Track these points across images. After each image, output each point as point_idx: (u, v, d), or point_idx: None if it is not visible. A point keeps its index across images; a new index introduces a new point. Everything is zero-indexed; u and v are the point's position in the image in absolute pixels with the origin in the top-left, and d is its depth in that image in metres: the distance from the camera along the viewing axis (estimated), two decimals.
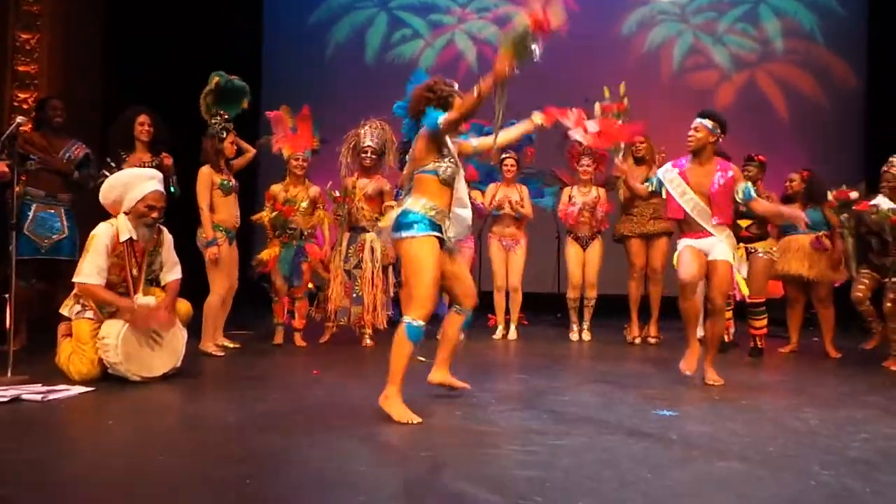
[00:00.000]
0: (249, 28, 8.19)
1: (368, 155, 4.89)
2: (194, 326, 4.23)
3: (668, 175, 3.83)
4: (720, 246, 3.71)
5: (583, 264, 5.45)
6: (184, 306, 3.73)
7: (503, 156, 5.34)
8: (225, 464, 2.28)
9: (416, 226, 2.91)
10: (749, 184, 3.80)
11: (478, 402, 3.22)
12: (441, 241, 2.99)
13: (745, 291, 3.76)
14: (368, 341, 4.92)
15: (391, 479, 2.14)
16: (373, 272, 4.85)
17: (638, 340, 5.37)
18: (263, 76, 8.09)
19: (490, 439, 2.62)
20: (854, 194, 4.70)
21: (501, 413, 3.06)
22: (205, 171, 4.44)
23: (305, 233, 4.84)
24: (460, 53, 8.28)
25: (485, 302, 5.28)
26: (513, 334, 5.50)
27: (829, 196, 4.87)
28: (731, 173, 3.77)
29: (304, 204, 4.80)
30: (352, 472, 2.19)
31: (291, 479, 2.15)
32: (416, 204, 2.96)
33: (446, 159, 3.01)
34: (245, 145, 4.83)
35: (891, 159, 4.67)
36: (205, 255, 4.40)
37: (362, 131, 4.96)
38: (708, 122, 3.73)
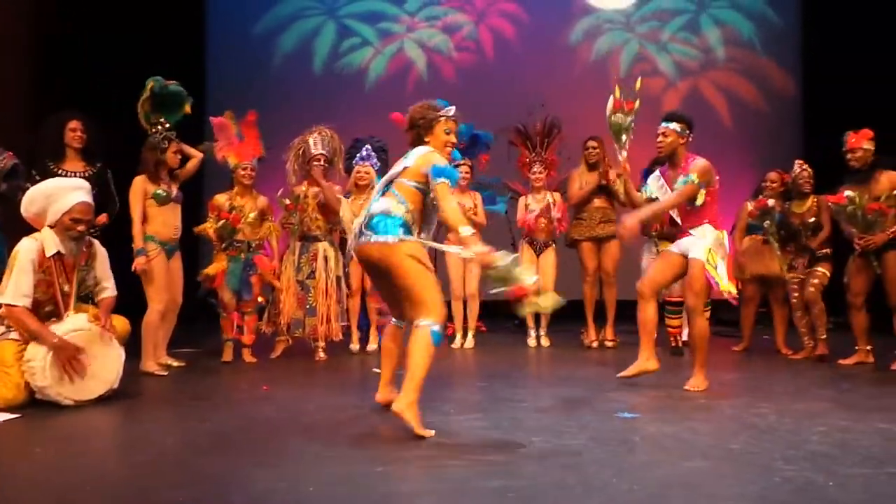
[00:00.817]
0: (191, 35, 7.92)
1: (320, 163, 4.75)
2: (135, 346, 4.00)
3: (657, 183, 3.82)
4: (696, 245, 3.64)
5: (536, 269, 5.43)
6: (120, 323, 3.49)
7: (457, 163, 5.28)
8: (160, 489, 2.10)
9: (402, 229, 2.84)
10: (687, 177, 3.62)
11: (436, 412, 3.10)
12: None
13: (724, 288, 3.59)
14: (322, 354, 4.75)
15: (345, 499, 2.00)
16: (327, 282, 4.69)
17: (595, 344, 5.36)
18: (208, 84, 7.85)
19: (450, 450, 2.51)
20: (771, 202, 4.83)
21: (461, 422, 2.96)
22: (138, 181, 4.23)
23: (253, 245, 4.65)
24: (410, 62, 8.22)
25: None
26: (470, 342, 5.41)
27: (749, 206, 5.00)
28: (692, 166, 3.66)
29: (252, 215, 4.61)
30: (301, 494, 2.04)
31: (233, 502, 1.99)
32: (399, 209, 2.88)
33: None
34: (191, 150, 4.58)
35: (797, 163, 4.89)
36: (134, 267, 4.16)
37: (311, 139, 4.82)
38: (675, 126, 3.67)
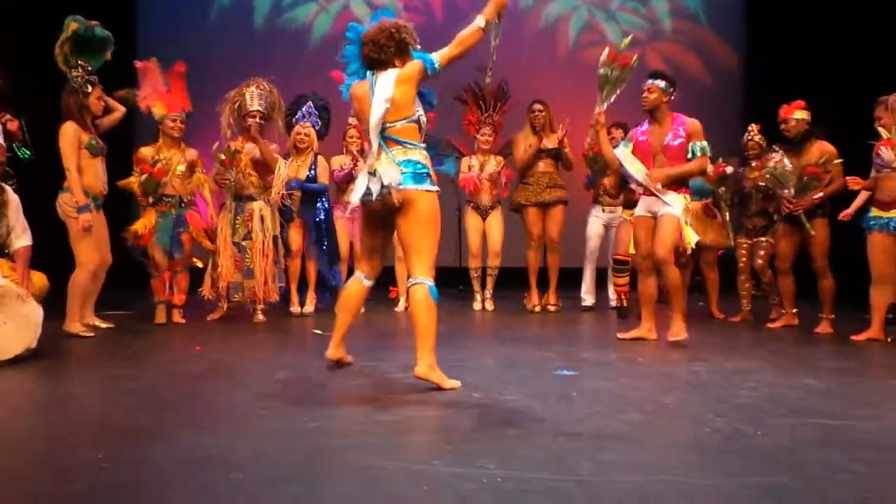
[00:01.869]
0: None
1: (256, 120, 4.55)
2: (57, 304, 3.78)
3: (623, 151, 3.87)
4: (669, 206, 3.72)
5: (482, 234, 5.42)
6: (38, 279, 3.29)
7: None
8: (77, 448, 1.98)
9: (429, 179, 2.73)
10: (700, 143, 3.78)
11: (375, 372, 3.05)
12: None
13: (690, 243, 3.75)
14: (260, 316, 4.61)
15: (277, 455, 1.93)
16: (264, 243, 4.52)
17: (538, 308, 5.40)
18: (139, 34, 7.40)
19: (387, 406, 2.46)
20: (729, 169, 4.92)
21: (401, 380, 2.91)
22: (70, 129, 3.90)
23: (185, 200, 4.43)
24: (358, 21, 7.93)
25: (387, 274, 5.12)
26: (401, 306, 5.36)
27: (709, 170, 5.07)
28: (684, 130, 3.78)
29: (181, 168, 4.37)
30: (229, 450, 1.96)
31: (156, 460, 1.89)
32: (421, 155, 2.76)
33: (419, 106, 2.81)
34: (113, 103, 4.31)
35: (749, 127, 4.97)
36: (69, 225, 3.90)
37: (248, 93, 4.58)
38: (660, 82, 3.74)
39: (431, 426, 2.21)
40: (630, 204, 5.14)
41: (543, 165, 5.35)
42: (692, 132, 3.78)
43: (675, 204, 3.74)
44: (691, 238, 3.78)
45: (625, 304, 5.14)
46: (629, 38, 3.92)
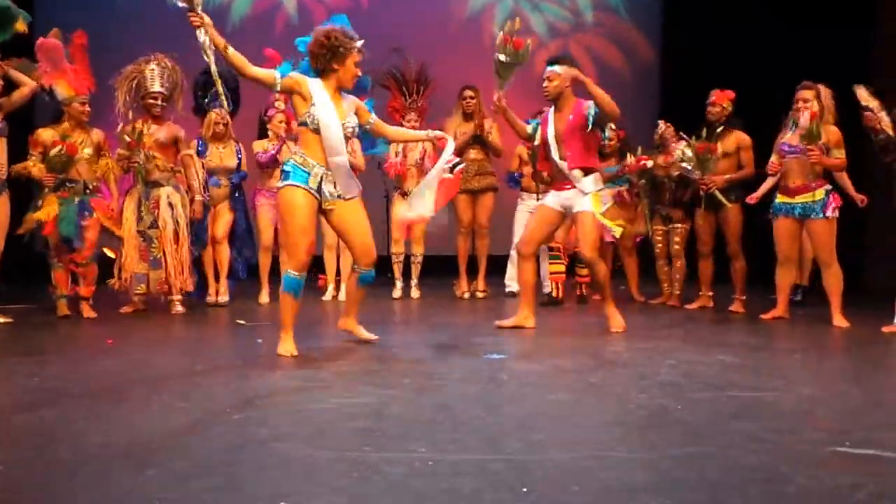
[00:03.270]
0: None
1: (157, 102, 4.28)
2: None
3: (546, 131, 3.75)
4: (580, 198, 3.66)
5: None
6: None
7: None
8: None
9: (284, 176, 3.04)
10: (593, 105, 3.61)
11: (301, 360, 2.96)
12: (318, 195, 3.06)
13: (616, 233, 3.75)
14: (179, 308, 4.38)
15: (196, 450, 1.82)
16: (176, 231, 4.28)
17: (467, 295, 5.42)
18: (36, 5, 6.85)
19: (315, 395, 2.39)
20: (650, 163, 5.07)
21: (329, 368, 2.84)
22: None
23: (89, 186, 4.14)
24: (278, 2, 7.70)
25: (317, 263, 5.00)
26: (343, 295, 5.25)
27: (629, 159, 5.22)
28: (582, 108, 3.65)
29: (88, 151, 4.09)
30: (142, 447, 1.83)
31: (60, 458, 1.75)
32: (295, 154, 3.11)
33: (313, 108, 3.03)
34: (21, 77, 3.91)
35: (659, 123, 5.12)
36: None
37: (147, 71, 4.28)
38: (558, 68, 3.64)
39: (362, 413, 2.16)
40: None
41: (473, 152, 5.36)
42: (588, 105, 3.63)
43: (588, 192, 3.66)
44: (615, 228, 3.74)
45: (556, 293, 5.16)
46: (517, 20, 3.76)
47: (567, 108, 3.70)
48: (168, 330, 3.93)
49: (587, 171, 3.71)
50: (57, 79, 4.03)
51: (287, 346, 3.01)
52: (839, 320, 4.01)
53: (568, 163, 3.69)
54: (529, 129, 3.92)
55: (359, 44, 3.06)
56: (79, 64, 4.12)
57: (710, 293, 4.86)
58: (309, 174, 3.02)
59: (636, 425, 2.07)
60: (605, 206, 3.69)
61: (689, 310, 4.77)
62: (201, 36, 2.91)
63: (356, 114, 3.15)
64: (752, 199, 4.48)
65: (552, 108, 3.80)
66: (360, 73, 3.09)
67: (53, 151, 3.94)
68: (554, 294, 5.17)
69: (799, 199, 4.14)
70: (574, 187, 3.69)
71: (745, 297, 4.65)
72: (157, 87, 4.27)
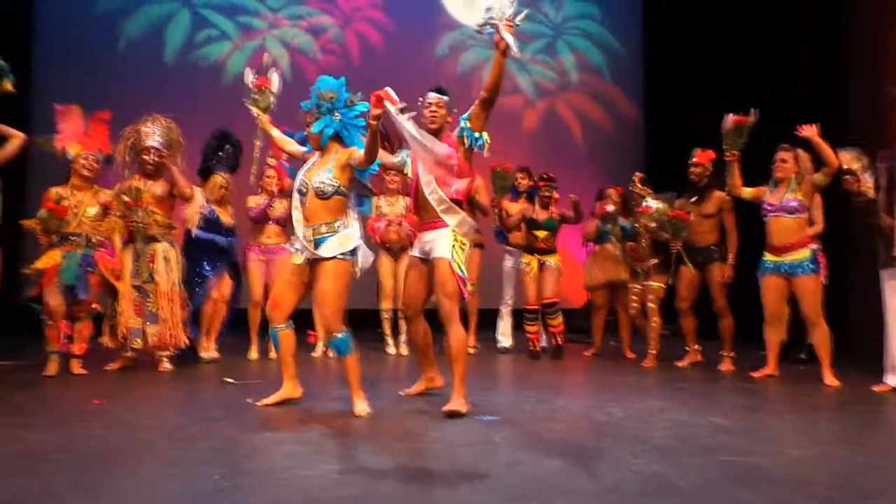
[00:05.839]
0: (14, 8, 7.01)
1: (151, 157, 4.35)
2: None
3: (417, 166, 3.36)
4: (439, 241, 3.22)
5: (395, 275, 5.37)
6: None
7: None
8: None
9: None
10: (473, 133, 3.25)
11: (291, 421, 2.93)
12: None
13: (471, 288, 3.35)
14: (167, 365, 4.32)
15: None
16: (170, 286, 4.28)
17: None
18: (35, 65, 6.98)
19: (305, 460, 2.36)
20: (610, 208, 5.17)
21: (320, 430, 2.81)
22: None
23: (93, 240, 4.16)
24: (273, 60, 7.88)
25: (306, 318, 4.98)
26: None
27: (596, 208, 5.33)
28: (452, 134, 3.29)
29: (93, 211, 4.14)
30: None
31: None
32: None
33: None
34: (9, 131, 3.97)
35: (633, 177, 5.15)
36: None
37: (143, 130, 4.38)
38: (447, 98, 3.35)
39: (355, 481, 2.13)
40: (529, 248, 5.32)
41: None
42: (457, 132, 3.29)
43: (445, 239, 3.21)
44: (469, 285, 3.29)
45: (536, 348, 5.25)
46: (265, 56, 3.99)
47: (441, 140, 3.28)
48: (156, 389, 3.87)
49: (459, 206, 3.28)
50: (70, 141, 4.15)
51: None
52: (830, 379, 4.04)
53: (445, 195, 3.24)
54: (397, 159, 3.61)
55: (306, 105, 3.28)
56: (96, 132, 4.25)
57: (698, 347, 4.88)
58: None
59: (631, 494, 2.06)
60: (464, 254, 3.24)
61: (680, 367, 4.78)
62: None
63: (348, 160, 3.18)
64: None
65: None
66: (310, 132, 3.25)
67: (42, 212, 3.99)
68: (535, 349, 5.25)
69: (786, 258, 4.22)
70: (437, 228, 3.25)
71: (734, 354, 4.68)
72: (150, 143, 4.34)
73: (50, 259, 4.03)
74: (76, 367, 4.13)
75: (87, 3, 7.50)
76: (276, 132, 3.63)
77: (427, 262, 3.30)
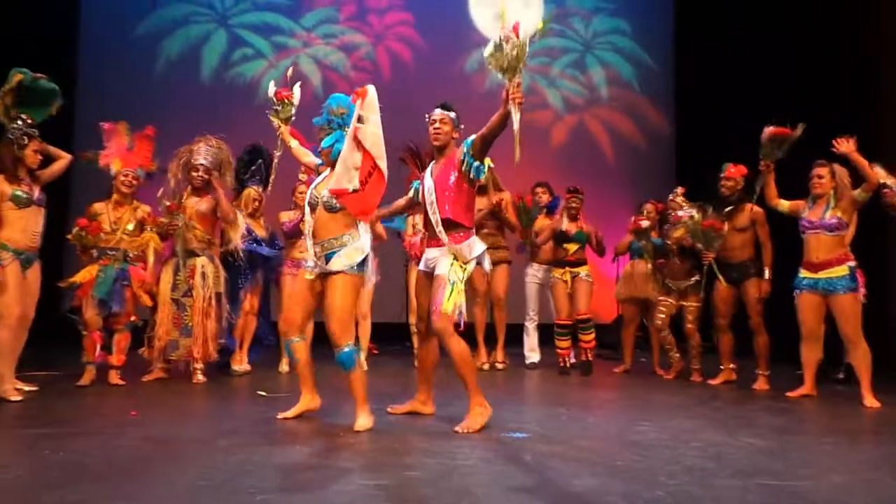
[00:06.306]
0: (62, 30, 7.30)
1: (199, 174, 4.49)
2: None
3: (424, 183, 3.38)
4: (440, 259, 3.22)
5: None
6: None
7: None
8: None
9: None
10: (474, 162, 3.19)
11: (322, 436, 2.95)
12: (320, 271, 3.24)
13: (447, 309, 3.09)
14: (200, 377, 4.41)
15: None
16: (205, 300, 4.37)
17: (486, 366, 5.38)
18: (79, 85, 7.24)
19: (338, 474, 2.37)
20: (645, 223, 5.12)
21: (351, 445, 2.84)
22: None
23: (129, 255, 4.28)
24: (305, 78, 8.04)
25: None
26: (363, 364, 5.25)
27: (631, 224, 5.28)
28: (456, 153, 3.25)
29: (130, 227, 4.26)
30: None
31: None
32: None
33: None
34: (57, 151, 4.14)
35: (675, 190, 5.10)
36: None
37: (195, 148, 4.56)
38: (452, 114, 3.33)
39: (385, 496, 2.14)
40: (558, 262, 5.30)
41: (485, 227, 5.42)
42: (460, 156, 3.22)
43: (447, 259, 3.19)
44: (448, 302, 3.11)
45: (567, 364, 5.21)
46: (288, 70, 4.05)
47: (447, 157, 3.32)
48: (190, 400, 3.94)
49: (458, 228, 3.23)
50: (113, 158, 4.30)
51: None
52: (870, 401, 3.93)
53: (440, 215, 3.23)
54: (412, 192, 3.64)
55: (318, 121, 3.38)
56: (140, 148, 4.38)
57: (733, 366, 4.79)
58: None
59: None
60: (464, 274, 3.20)
61: (713, 385, 4.70)
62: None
63: None
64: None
65: (435, 157, 3.42)
66: (321, 147, 3.36)
67: (75, 231, 4.14)
68: (566, 366, 5.22)
69: (822, 275, 4.13)
70: (441, 245, 3.23)
71: (769, 373, 4.58)
72: (199, 160, 4.48)
73: (87, 273, 4.16)
74: (114, 378, 4.23)
75: (128, 24, 7.77)
76: (294, 143, 3.69)
77: (430, 274, 3.33)
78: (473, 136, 3.22)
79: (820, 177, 4.18)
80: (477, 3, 8.42)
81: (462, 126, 3.36)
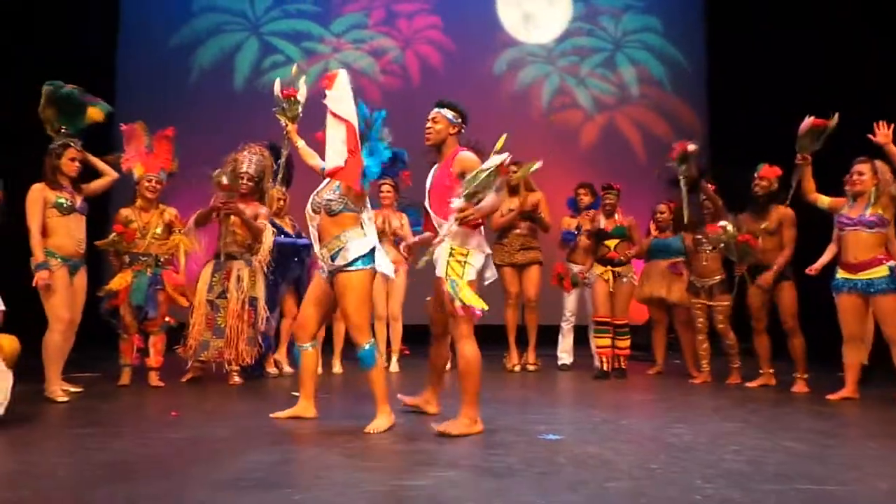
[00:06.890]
0: (102, 44, 7.53)
1: (244, 181, 4.58)
2: (31, 367, 3.64)
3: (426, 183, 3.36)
4: (439, 259, 3.14)
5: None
6: (9, 343, 3.17)
7: (379, 181, 5.21)
8: None
9: None
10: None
11: (355, 435, 2.99)
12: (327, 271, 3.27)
13: (467, 302, 2.99)
14: (237, 379, 4.50)
15: None
16: (238, 303, 4.45)
17: (518, 368, 5.38)
18: (118, 96, 7.43)
19: (372, 474, 2.41)
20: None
21: (384, 445, 2.87)
22: (36, 188, 3.88)
23: (161, 259, 4.39)
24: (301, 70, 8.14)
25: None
26: (394, 366, 5.29)
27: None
28: (453, 167, 3.19)
29: (159, 230, 4.36)
30: None
31: None
32: None
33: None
34: (105, 168, 4.26)
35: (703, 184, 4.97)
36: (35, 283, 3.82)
37: (240, 157, 4.65)
38: (447, 112, 3.28)
39: (418, 496, 2.16)
40: (602, 260, 5.24)
41: (517, 228, 5.42)
42: (463, 167, 3.15)
43: (444, 256, 3.11)
44: (463, 294, 3.01)
45: (605, 367, 5.08)
46: (294, 68, 3.97)
47: (445, 156, 3.30)
48: (228, 402, 4.02)
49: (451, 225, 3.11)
50: (134, 161, 4.37)
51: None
52: None
53: (439, 216, 3.20)
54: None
55: None
56: (160, 150, 4.44)
57: (772, 370, 4.69)
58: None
59: None
60: (468, 275, 3.07)
61: (750, 388, 4.61)
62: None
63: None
64: (812, 270, 4.34)
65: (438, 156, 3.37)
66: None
67: (111, 237, 4.25)
68: (604, 368, 5.08)
69: (862, 275, 4.03)
70: (441, 244, 3.16)
71: (807, 376, 4.48)
72: (244, 169, 4.58)
73: (122, 280, 4.25)
74: (154, 380, 4.34)
75: (164, 35, 7.97)
76: (301, 143, 3.66)
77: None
78: (471, 163, 3.15)
79: (861, 174, 4.08)
80: (504, 5, 8.42)
81: (461, 122, 3.31)
